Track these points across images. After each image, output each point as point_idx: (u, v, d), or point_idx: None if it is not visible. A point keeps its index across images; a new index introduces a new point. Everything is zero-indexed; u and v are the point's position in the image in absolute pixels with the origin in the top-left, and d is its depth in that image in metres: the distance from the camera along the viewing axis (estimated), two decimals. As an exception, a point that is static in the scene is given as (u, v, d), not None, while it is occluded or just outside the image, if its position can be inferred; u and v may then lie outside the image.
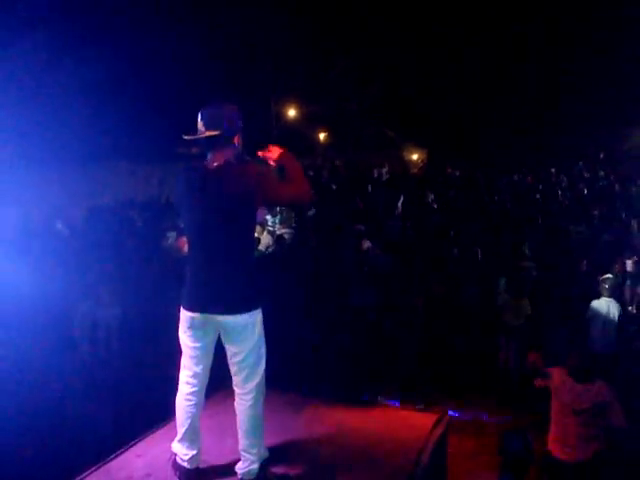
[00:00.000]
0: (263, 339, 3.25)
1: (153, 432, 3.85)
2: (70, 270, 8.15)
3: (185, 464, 3.31)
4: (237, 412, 3.26)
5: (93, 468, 3.46)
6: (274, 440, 3.39)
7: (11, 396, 6.06)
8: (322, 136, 26.14)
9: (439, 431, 3.84)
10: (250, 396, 3.22)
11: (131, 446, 3.70)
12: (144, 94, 14.91)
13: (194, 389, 3.32)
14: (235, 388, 3.27)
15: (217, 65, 17.83)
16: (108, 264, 8.37)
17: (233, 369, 3.24)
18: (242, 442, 3.25)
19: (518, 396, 7.39)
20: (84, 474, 3.41)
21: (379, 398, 6.10)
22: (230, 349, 3.21)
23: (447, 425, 3.98)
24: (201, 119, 3.07)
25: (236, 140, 3.15)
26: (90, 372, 7.19)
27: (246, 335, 3.15)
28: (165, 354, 3.56)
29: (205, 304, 3.14)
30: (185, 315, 3.21)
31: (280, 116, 22.79)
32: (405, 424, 3.96)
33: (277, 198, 3.28)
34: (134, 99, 13.93)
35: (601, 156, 24.34)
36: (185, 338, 3.26)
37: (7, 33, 11.16)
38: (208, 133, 3.04)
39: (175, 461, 3.36)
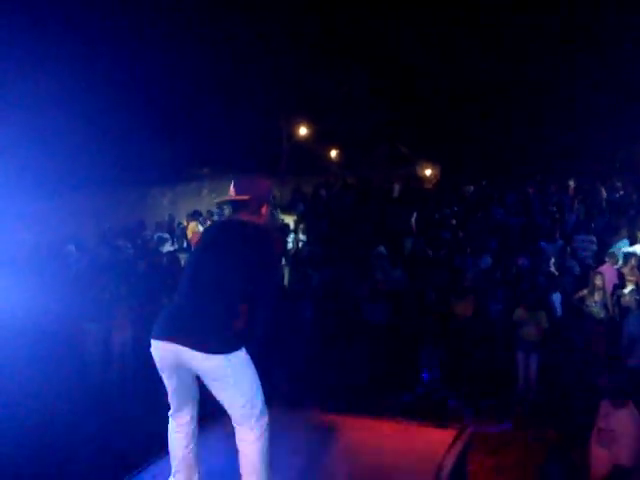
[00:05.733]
0: (250, 380, 3.01)
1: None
2: (82, 292, 8.13)
3: None
4: (238, 450, 3.05)
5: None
6: (289, 459, 3.29)
7: (18, 418, 6.04)
8: (334, 154, 26.14)
9: (459, 447, 3.73)
10: (248, 434, 3.01)
11: (147, 466, 3.62)
12: (154, 115, 15.02)
13: (179, 420, 3.19)
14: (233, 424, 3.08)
15: (227, 85, 17.92)
16: (121, 286, 8.33)
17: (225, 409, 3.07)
18: None
19: (540, 413, 7.25)
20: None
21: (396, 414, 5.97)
22: (212, 392, 3.04)
23: (468, 441, 3.86)
24: (233, 186, 3.26)
25: (263, 210, 3.26)
26: (101, 394, 7.14)
27: (224, 381, 2.95)
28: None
29: (176, 333, 2.95)
30: (153, 347, 3.05)
31: (291, 134, 22.83)
32: (424, 440, 3.86)
33: (264, 280, 3.08)
34: (144, 121, 14.00)
35: (617, 165, 23.98)
36: (159, 372, 3.13)
37: (6, 53, 11.28)
38: (237, 197, 3.23)
39: None
